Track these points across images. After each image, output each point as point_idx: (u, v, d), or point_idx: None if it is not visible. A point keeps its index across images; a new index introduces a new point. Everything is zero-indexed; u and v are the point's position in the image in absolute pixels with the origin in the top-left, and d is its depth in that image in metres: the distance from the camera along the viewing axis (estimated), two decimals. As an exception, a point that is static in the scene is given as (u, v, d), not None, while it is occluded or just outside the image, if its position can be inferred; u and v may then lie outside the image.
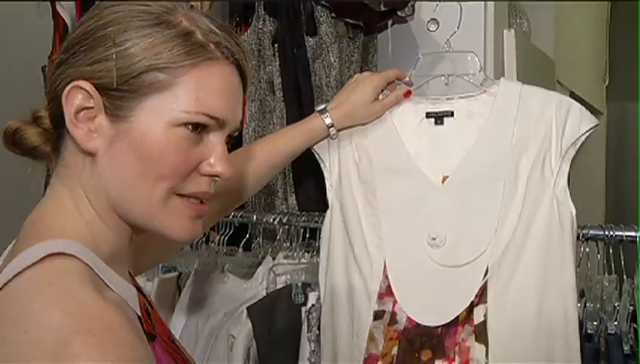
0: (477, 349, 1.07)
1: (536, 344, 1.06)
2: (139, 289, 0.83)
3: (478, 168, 1.20)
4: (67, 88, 0.72)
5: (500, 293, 1.10)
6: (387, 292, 1.18)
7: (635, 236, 1.23)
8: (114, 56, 0.71)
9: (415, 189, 1.22)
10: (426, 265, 1.17)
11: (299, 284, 1.31)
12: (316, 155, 1.29)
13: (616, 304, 1.16)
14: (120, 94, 0.72)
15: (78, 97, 0.72)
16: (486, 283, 1.12)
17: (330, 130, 1.24)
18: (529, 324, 1.07)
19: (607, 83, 3.68)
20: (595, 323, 1.11)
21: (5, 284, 0.66)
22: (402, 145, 1.25)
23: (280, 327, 1.27)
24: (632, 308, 1.15)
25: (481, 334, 1.08)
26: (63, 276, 0.66)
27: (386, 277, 1.19)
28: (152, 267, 1.30)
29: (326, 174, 1.29)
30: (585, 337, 1.10)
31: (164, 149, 0.72)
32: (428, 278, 1.17)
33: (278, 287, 1.34)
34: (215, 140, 0.76)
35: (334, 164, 1.29)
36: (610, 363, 1.05)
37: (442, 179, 1.22)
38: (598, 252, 1.32)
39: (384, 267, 1.19)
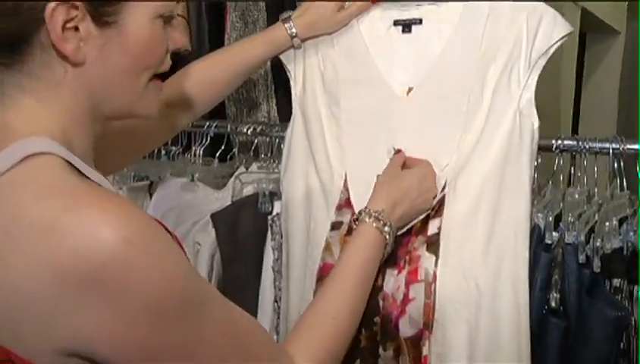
0: (427, 259, 1.07)
1: (485, 256, 1.04)
2: None
3: (444, 80, 1.16)
4: (50, 5, 0.70)
5: (456, 206, 1.09)
6: (345, 204, 1.17)
7: (608, 149, 1.21)
8: None
9: (379, 101, 1.20)
10: (386, 178, 1.16)
11: (267, 193, 1.31)
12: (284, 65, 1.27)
13: (580, 215, 1.14)
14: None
15: (62, 12, 0.71)
16: (444, 197, 1.11)
17: (294, 40, 1.21)
18: (481, 237, 1.06)
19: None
20: (555, 234, 1.09)
21: None
22: (368, 55, 1.22)
23: (245, 235, 1.28)
24: (596, 221, 1.13)
25: (433, 244, 1.08)
26: (46, 170, 0.69)
27: (346, 189, 1.18)
28: (114, 171, 1.32)
29: (292, 83, 1.27)
30: (544, 247, 1.08)
31: (152, 42, 0.78)
32: (386, 191, 1.16)
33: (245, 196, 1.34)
34: (172, 21, 0.82)
35: (298, 74, 1.26)
36: (564, 272, 1.04)
37: (407, 90, 1.19)
38: (573, 165, 1.30)
39: (345, 179, 1.18)
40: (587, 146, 1.21)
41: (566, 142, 1.23)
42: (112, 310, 0.65)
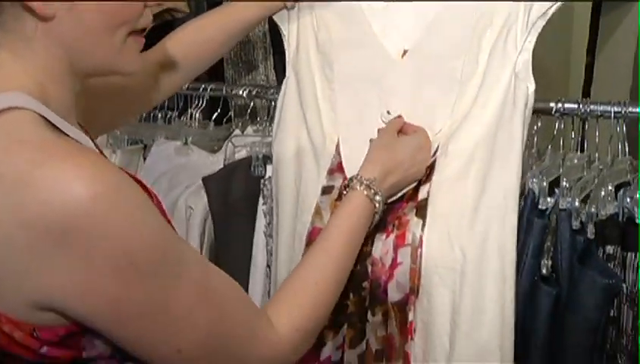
0: (414, 223, 1.05)
1: (472, 222, 1.02)
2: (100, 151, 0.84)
3: (440, 43, 1.13)
4: None
5: (445, 171, 1.06)
6: (337, 168, 1.15)
7: (610, 112, 1.17)
8: None
9: (373, 63, 1.17)
10: (378, 142, 1.13)
11: (260, 156, 1.29)
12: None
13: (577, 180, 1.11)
14: None
15: None
16: (434, 161, 1.08)
17: (288, 1, 1.19)
18: (469, 202, 1.03)
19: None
20: (550, 199, 1.07)
21: None
22: (362, 16, 1.18)
23: (237, 199, 1.26)
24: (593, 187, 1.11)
25: (421, 209, 1.06)
26: (19, 125, 0.68)
27: (338, 153, 1.16)
28: (107, 130, 1.31)
29: (285, 45, 1.24)
30: (537, 213, 1.06)
31: None
32: (378, 155, 1.13)
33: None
34: None
35: (292, 35, 1.23)
36: (557, 239, 1.02)
37: (402, 53, 1.16)
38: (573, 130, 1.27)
39: (337, 142, 1.16)
40: (588, 109, 1.17)
41: (567, 105, 1.20)
42: (82, 265, 0.65)
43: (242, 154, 1.35)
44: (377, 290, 1.06)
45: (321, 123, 1.17)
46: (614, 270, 0.97)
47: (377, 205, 1.00)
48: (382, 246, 1.07)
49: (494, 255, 1.01)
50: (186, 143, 1.42)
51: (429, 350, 1.04)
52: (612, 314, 0.96)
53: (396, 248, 1.05)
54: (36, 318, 0.67)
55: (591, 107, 1.18)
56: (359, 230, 0.98)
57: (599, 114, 1.18)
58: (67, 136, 0.72)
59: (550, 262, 1.02)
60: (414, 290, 1.04)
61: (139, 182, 0.80)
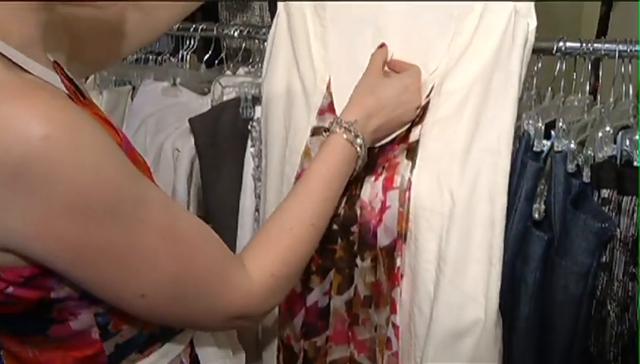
0: (404, 165, 1.01)
1: (463, 163, 0.98)
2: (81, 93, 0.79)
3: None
4: None
5: (438, 111, 1.02)
6: (328, 108, 1.11)
7: (614, 51, 1.12)
8: None
9: (366, 2, 1.11)
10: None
11: (249, 98, 1.25)
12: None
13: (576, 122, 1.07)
14: None
15: None
16: (428, 102, 1.04)
17: None
18: (461, 143, 0.99)
19: None
20: (546, 142, 1.02)
21: None
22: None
23: (224, 141, 1.23)
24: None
25: (412, 151, 1.02)
26: None
27: (329, 93, 1.12)
28: (95, 70, 1.27)
29: (276, -17, 1.19)
30: (532, 156, 1.02)
31: None
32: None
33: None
34: None
35: (284, -28, 1.18)
36: (551, 182, 0.97)
37: (397, -10, 1.11)
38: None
39: (329, 82, 1.12)
40: (591, 48, 1.12)
41: (568, 44, 1.13)
42: (37, 207, 0.63)
43: (232, 96, 1.30)
44: (366, 234, 1.04)
45: (313, 62, 1.13)
46: (609, 214, 0.93)
47: (358, 149, 0.95)
48: (371, 189, 1.03)
49: (483, 200, 0.97)
50: (174, 84, 1.38)
51: (414, 297, 1.02)
52: (604, 259, 0.92)
53: (385, 191, 1.02)
54: None
55: (595, 45, 1.12)
56: (339, 174, 0.95)
57: (603, 53, 1.12)
58: (28, 72, 0.68)
59: (543, 207, 0.98)
60: (402, 235, 1.01)
61: (107, 122, 0.77)
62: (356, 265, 1.05)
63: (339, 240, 1.05)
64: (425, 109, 1.04)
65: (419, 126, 1.03)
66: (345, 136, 0.94)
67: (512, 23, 1.01)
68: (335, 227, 1.05)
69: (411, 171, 1.00)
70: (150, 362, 0.82)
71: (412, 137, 1.03)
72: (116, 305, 0.73)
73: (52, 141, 0.61)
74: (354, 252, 1.05)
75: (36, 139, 0.61)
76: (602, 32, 2.47)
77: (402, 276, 1.03)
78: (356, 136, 0.95)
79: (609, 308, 0.91)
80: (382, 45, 1.07)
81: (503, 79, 0.99)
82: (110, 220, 0.66)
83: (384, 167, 1.03)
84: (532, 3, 1.03)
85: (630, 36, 1.12)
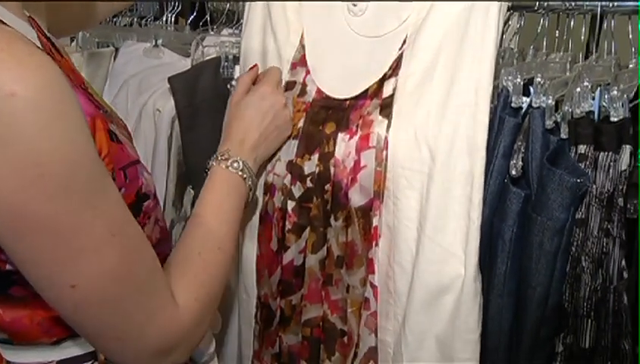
0: (379, 123, 0.99)
1: (440, 119, 0.96)
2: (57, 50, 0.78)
3: None
4: None
5: (412, 63, 1.00)
6: (300, 61, 1.10)
7: (596, 7, 1.10)
8: None
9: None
10: (344, 35, 1.07)
11: (230, 57, 1.23)
12: None
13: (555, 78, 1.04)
14: None
15: None
16: (401, 55, 1.02)
17: None
18: (437, 97, 0.97)
19: None
20: (524, 98, 1.00)
21: None
22: None
23: (204, 100, 1.21)
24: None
25: (386, 107, 1.00)
26: None
27: (302, 45, 1.10)
28: (77, 30, 1.26)
29: None
30: (510, 112, 1.00)
31: None
32: (343, 48, 1.07)
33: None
34: None
35: None
36: (529, 138, 0.96)
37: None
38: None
39: (302, 35, 1.10)
40: (573, 4, 1.10)
41: (551, 2, 1.12)
42: None
43: (212, 54, 1.28)
44: (339, 193, 1.02)
45: (285, 14, 1.11)
46: (585, 170, 0.91)
47: (240, 172, 0.97)
48: (345, 148, 1.02)
49: (462, 155, 0.95)
50: (156, 45, 1.36)
51: (394, 255, 1.01)
52: (579, 215, 0.91)
53: (359, 151, 1.00)
54: None
55: (576, 2, 1.10)
56: (229, 200, 0.96)
57: (585, 10, 1.10)
58: (5, 24, 0.66)
59: (520, 163, 0.96)
60: (379, 195, 1.00)
61: (84, 88, 0.76)
62: (330, 225, 1.04)
63: (314, 199, 1.04)
64: (398, 62, 1.02)
65: (392, 79, 1.01)
66: (222, 165, 0.97)
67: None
68: (310, 184, 1.04)
69: (387, 130, 0.98)
70: None
71: (386, 92, 1.01)
72: (40, 292, 0.69)
73: (17, 100, 0.59)
74: (328, 211, 1.04)
75: (2, 94, 0.59)
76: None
77: (379, 236, 1.02)
78: (233, 162, 0.97)
79: (583, 264, 0.90)
80: (253, 67, 1.09)
81: (481, 30, 0.96)
82: (61, 196, 0.63)
83: (358, 125, 1.01)
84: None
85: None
